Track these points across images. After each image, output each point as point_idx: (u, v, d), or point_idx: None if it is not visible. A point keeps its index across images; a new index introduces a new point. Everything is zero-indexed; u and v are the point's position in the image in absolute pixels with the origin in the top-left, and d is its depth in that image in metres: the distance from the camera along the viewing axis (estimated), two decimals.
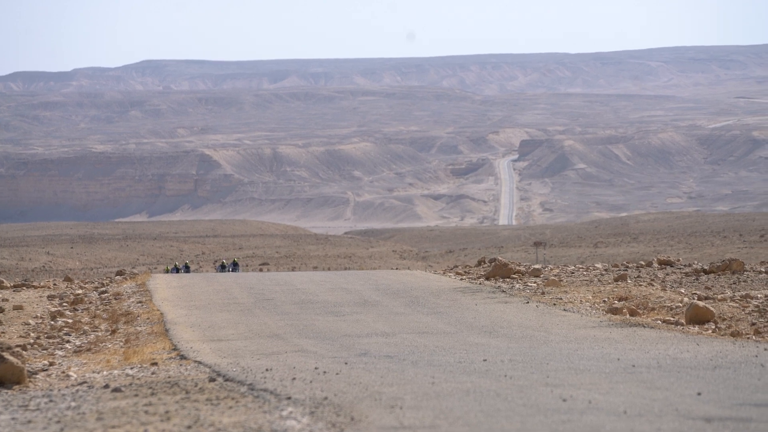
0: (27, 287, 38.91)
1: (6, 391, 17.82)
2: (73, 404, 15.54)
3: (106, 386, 17.13)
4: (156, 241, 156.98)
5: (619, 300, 29.53)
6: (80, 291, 36.41)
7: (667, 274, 38.57)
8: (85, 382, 18.14)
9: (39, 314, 30.16)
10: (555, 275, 38.40)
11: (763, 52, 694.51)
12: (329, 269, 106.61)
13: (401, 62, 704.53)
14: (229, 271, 73.44)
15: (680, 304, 27.84)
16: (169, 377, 17.96)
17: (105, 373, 19.39)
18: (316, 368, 18.46)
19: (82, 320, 28.90)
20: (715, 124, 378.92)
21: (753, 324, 24.80)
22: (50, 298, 34.40)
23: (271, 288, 35.68)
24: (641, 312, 27.47)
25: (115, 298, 33.58)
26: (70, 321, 28.50)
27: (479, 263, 44.62)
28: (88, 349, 24.10)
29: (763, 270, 39.59)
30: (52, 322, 28.30)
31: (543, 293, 31.98)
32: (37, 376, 19.63)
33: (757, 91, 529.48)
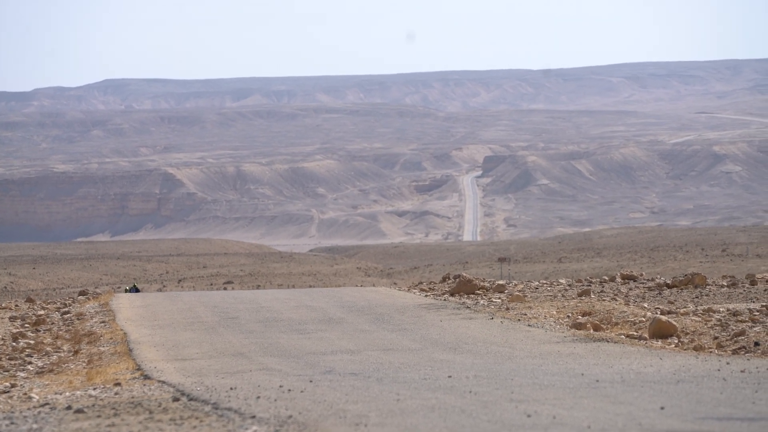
0: None
1: None
2: (35, 426, 15.40)
3: (69, 407, 17.00)
4: (119, 260, 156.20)
5: (583, 315, 29.63)
6: (42, 312, 36.14)
7: (630, 289, 38.74)
8: (47, 404, 17.99)
9: (0, 336, 29.91)
10: (519, 291, 38.49)
11: (722, 68, 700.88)
12: (294, 287, 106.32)
13: (364, 79, 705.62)
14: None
15: (643, 319, 27.97)
16: (132, 397, 17.85)
17: (67, 394, 19.24)
18: (280, 386, 18.40)
19: (45, 341, 28.69)
20: (677, 139, 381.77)
21: (715, 338, 24.94)
22: (12, 319, 34.11)
23: (236, 306, 35.56)
24: (605, 327, 27.57)
25: (78, 319, 33.36)
26: (32, 342, 28.28)
27: (444, 279, 44.65)
28: (51, 370, 23.91)
29: (725, 284, 39.85)
30: (14, 344, 28.06)
31: (507, 309, 32.05)
32: None
33: (717, 106, 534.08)
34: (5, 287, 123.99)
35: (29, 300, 41.78)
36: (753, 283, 40.12)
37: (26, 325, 32.26)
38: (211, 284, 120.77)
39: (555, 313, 30.48)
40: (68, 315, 34.52)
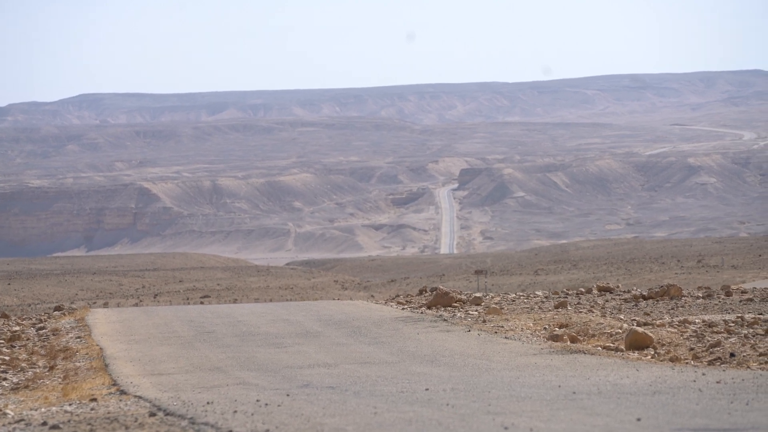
0: None
1: None
2: None
3: (44, 423, 16.92)
4: (95, 275, 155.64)
5: (560, 327, 29.68)
6: (17, 327, 35.95)
7: (607, 301, 38.84)
8: (22, 420, 17.90)
9: None
10: (496, 303, 38.53)
11: (696, 80, 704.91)
12: (271, 301, 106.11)
13: (340, 93, 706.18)
14: None
15: (620, 330, 28.05)
16: (108, 413, 17.78)
17: (43, 410, 19.14)
18: (257, 400, 18.36)
19: (20, 357, 28.54)
20: (652, 151, 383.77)
21: (691, 349, 25.04)
22: None
23: (212, 321, 35.48)
24: (581, 339, 27.63)
25: (54, 334, 33.21)
26: (6, 358, 28.12)
27: (421, 292, 44.67)
28: (26, 387, 23.79)
29: (701, 295, 40.02)
30: None
31: (484, 321, 32.08)
32: None
33: (691, 118, 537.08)
34: None
35: (4, 315, 41.53)
36: (728, 294, 40.29)
37: (1, 341, 32.07)
38: (188, 299, 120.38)
39: (532, 325, 30.52)
40: (44, 331, 34.35)
